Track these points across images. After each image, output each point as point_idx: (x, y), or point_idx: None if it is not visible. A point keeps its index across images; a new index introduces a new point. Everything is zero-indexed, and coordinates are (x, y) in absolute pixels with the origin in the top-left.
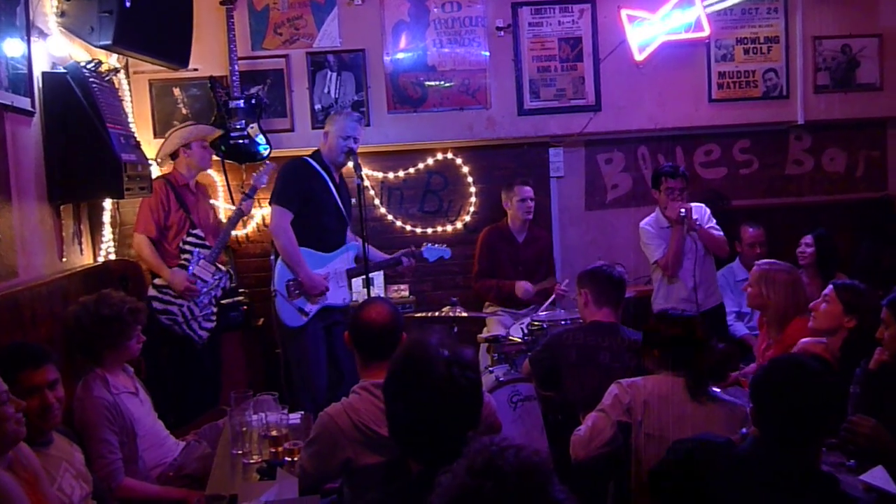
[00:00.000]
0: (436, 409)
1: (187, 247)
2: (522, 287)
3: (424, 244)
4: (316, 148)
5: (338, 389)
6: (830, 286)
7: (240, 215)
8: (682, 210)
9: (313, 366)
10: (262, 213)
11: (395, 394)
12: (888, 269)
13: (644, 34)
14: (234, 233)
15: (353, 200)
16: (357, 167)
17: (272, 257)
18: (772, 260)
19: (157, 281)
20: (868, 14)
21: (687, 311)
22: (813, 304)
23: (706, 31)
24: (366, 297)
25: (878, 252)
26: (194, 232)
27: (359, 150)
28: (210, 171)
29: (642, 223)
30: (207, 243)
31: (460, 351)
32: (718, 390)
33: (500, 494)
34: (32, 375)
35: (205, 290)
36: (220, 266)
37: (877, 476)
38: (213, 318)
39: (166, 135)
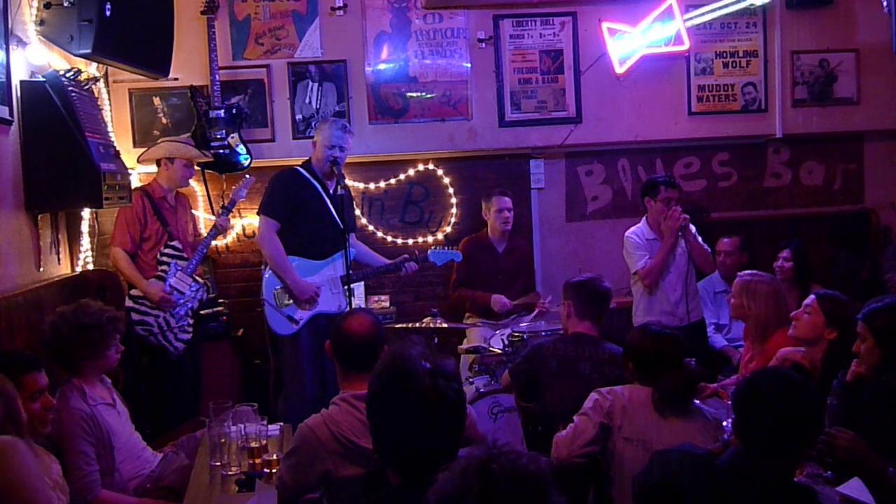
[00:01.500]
0: (422, 421)
1: (165, 258)
2: (500, 301)
3: (432, 248)
4: (301, 158)
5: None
6: (813, 296)
7: (215, 233)
8: (684, 219)
9: (306, 374)
10: (241, 223)
11: (379, 408)
12: (865, 282)
13: (624, 47)
14: (214, 243)
15: (358, 212)
16: (340, 177)
17: (262, 267)
18: (754, 271)
19: (133, 292)
20: (846, 29)
21: (667, 327)
22: (795, 314)
23: (686, 45)
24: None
25: (855, 264)
26: (172, 244)
27: None
28: (190, 181)
29: (628, 232)
30: (185, 255)
31: (442, 362)
32: (697, 401)
33: (486, 498)
34: (36, 378)
35: (181, 301)
36: (197, 278)
37: (853, 488)
38: (189, 329)
39: (158, 140)
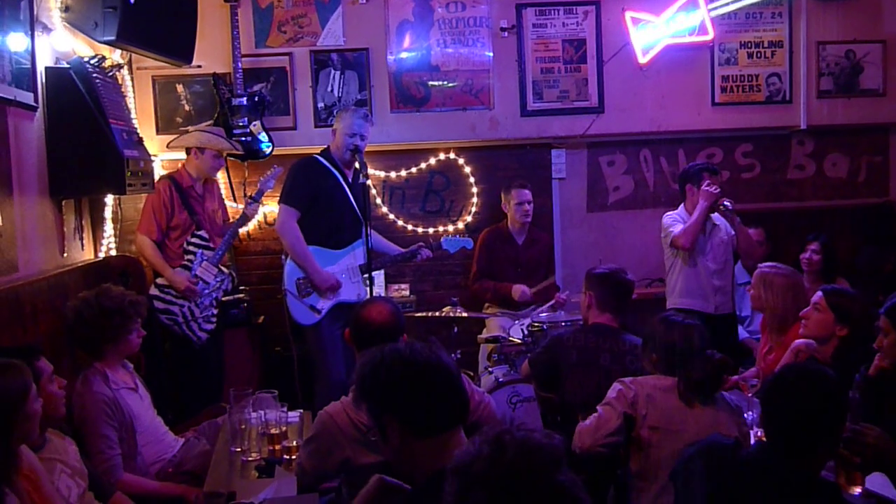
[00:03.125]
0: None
1: (191, 248)
2: (519, 290)
3: (445, 236)
4: (322, 146)
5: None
6: (820, 293)
7: (245, 220)
8: (729, 203)
9: (331, 362)
10: (263, 210)
11: (384, 392)
12: (890, 275)
13: (648, 37)
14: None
15: (378, 200)
16: (362, 166)
17: (283, 256)
18: (774, 263)
19: (159, 280)
20: (872, 20)
21: (688, 317)
22: (804, 312)
23: (710, 35)
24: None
25: (879, 258)
26: (198, 233)
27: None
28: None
29: (666, 215)
30: (211, 245)
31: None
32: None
33: (494, 464)
34: (46, 365)
35: (206, 291)
36: (222, 268)
37: (876, 482)
38: (214, 319)
39: (189, 128)
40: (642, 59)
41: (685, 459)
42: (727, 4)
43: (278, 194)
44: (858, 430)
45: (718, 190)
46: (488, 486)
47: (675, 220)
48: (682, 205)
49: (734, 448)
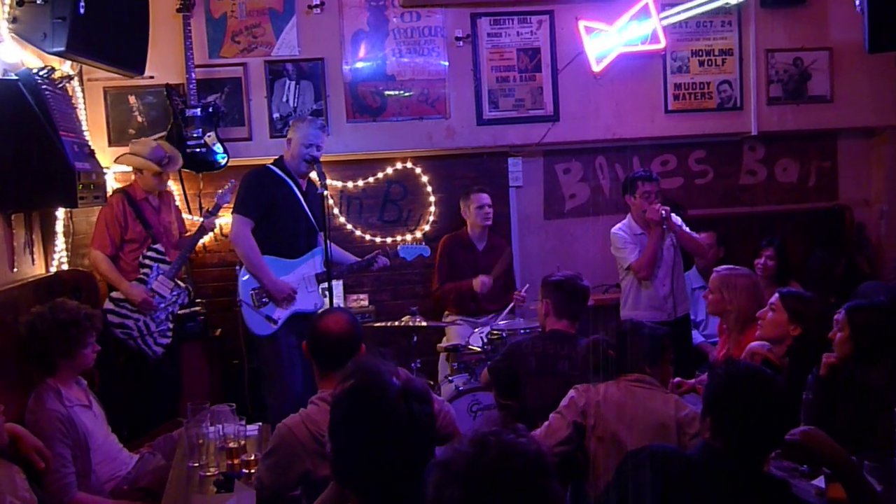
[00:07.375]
0: (393, 447)
1: (147, 261)
2: (479, 281)
3: (401, 244)
4: (277, 156)
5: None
6: (776, 295)
7: (202, 233)
8: (664, 211)
9: (287, 374)
10: (219, 222)
11: (347, 431)
12: (840, 278)
13: (601, 46)
14: None
15: (336, 210)
16: (321, 176)
17: (237, 267)
18: (730, 266)
19: (114, 294)
20: (819, 28)
21: (656, 323)
22: (760, 313)
23: (662, 44)
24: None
25: (829, 261)
26: (154, 247)
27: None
28: (167, 184)
29: (614, 229)
30: (167, 258)
31: (412, 381)
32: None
33: (475, 460)
34: None
35: (162, 305)
36: (178, 282)
37: None
38: (169, 333)
39: (130, 145)
40: (596, 68)
41: (630, 470)
42: (678, 14)
43: (230, 205)
44: (791, 439)
45: (661, 211)
46: (465, 484)
47: (625, 241)
48: (628, 215)
49: (678, 451)
